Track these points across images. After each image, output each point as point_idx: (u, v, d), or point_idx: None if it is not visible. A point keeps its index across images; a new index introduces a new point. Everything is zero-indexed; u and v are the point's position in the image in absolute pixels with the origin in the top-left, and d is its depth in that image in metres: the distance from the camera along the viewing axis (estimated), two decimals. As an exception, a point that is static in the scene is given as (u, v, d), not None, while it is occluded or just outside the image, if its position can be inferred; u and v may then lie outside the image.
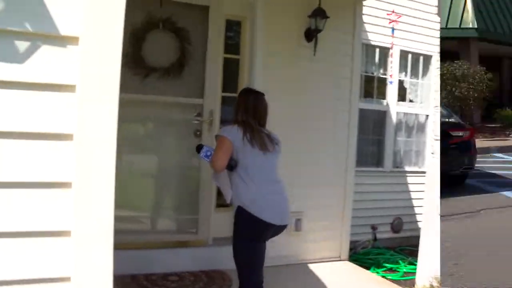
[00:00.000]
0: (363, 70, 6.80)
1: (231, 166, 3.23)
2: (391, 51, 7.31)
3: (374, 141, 7.33)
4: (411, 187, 7.42)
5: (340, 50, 5.63)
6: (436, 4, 7.23)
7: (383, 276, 5.47)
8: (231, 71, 5.26)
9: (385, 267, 5.91)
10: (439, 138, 5.12)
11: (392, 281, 5.24)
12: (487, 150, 10.79)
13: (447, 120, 7.83)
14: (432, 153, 5.21)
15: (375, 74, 7.30)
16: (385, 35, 7.21)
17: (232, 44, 5.35)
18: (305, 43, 5.31)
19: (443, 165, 7.35)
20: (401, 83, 7.56)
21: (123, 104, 2.51)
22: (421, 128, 7.77)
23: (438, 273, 4.36)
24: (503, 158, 10.49)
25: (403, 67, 7.56)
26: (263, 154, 3.27)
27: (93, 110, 2.30)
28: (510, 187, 7.37)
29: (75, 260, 2.28)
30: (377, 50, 7.28)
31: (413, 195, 7.36)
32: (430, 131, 7.38)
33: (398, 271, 5.78)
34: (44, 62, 2.24)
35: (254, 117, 3.36)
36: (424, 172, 5.91)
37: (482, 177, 8.20)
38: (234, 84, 5.23)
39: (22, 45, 2.22)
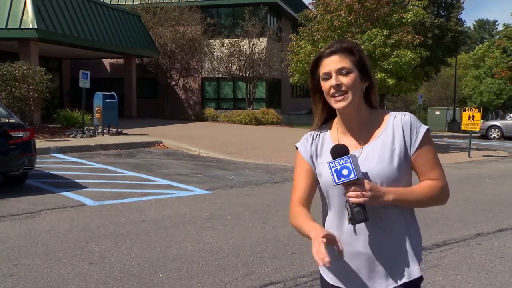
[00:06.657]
0: None
1: None
2: None
3: None
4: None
5: None
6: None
7: None
8: None
9: None
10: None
11: None
12: (47, 151, 11.09)
13: (7, 120, 7.75)
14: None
15: None
16: None
17: None
18: None
19: (3, 165, 7.28)
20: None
21: None
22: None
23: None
24: (63, 158, 10.92)
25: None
26: None
27: None
28: (70, 187, 7.79)
29: None
30: None
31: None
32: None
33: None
34: None
35: None
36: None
37: (42, 178, 8.42)
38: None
39: None
